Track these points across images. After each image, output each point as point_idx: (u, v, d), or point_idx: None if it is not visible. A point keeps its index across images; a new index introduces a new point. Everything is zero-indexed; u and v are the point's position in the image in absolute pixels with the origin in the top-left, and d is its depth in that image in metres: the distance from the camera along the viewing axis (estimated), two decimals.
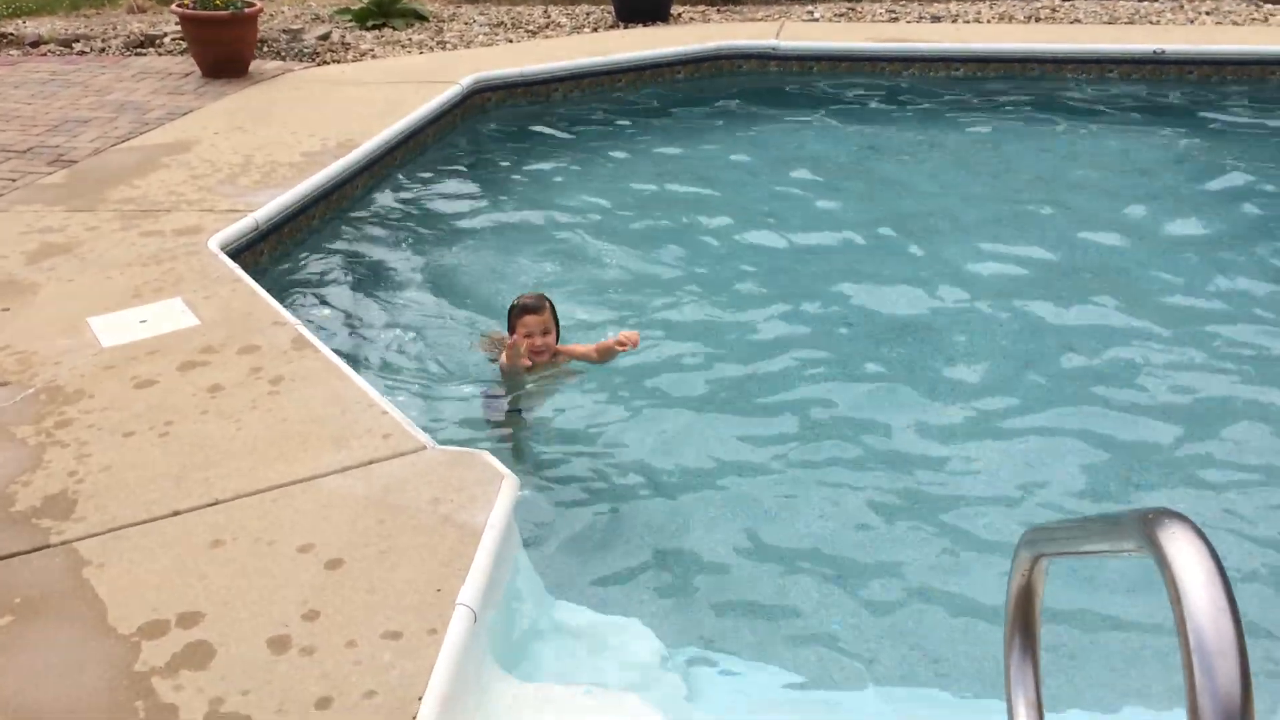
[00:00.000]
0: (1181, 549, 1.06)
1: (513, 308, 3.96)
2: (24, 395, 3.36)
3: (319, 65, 8.05)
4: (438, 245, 5.35)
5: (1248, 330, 4.36)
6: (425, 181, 6.13)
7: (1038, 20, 8.78)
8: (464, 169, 6.37)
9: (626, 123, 7.20)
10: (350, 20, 9.41)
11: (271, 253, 4.93)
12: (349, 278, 4.91)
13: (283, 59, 8.22)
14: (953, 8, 9.16)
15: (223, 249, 4.50)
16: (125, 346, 3.65)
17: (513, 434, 3.81)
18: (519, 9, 9.90)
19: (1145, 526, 1.11)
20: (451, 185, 6.12)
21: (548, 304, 3.93)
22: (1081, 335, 4.35)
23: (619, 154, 6.66)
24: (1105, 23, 8.62)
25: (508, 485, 2.81)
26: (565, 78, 7.49)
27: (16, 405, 3.31)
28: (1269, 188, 5.84)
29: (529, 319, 3.86)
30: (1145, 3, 9.20)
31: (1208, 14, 8.81)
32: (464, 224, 5.65)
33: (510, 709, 2.34)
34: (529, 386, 3.92)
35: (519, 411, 3.88)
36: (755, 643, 2.82)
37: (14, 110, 6.86)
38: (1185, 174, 6.15)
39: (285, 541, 2.62)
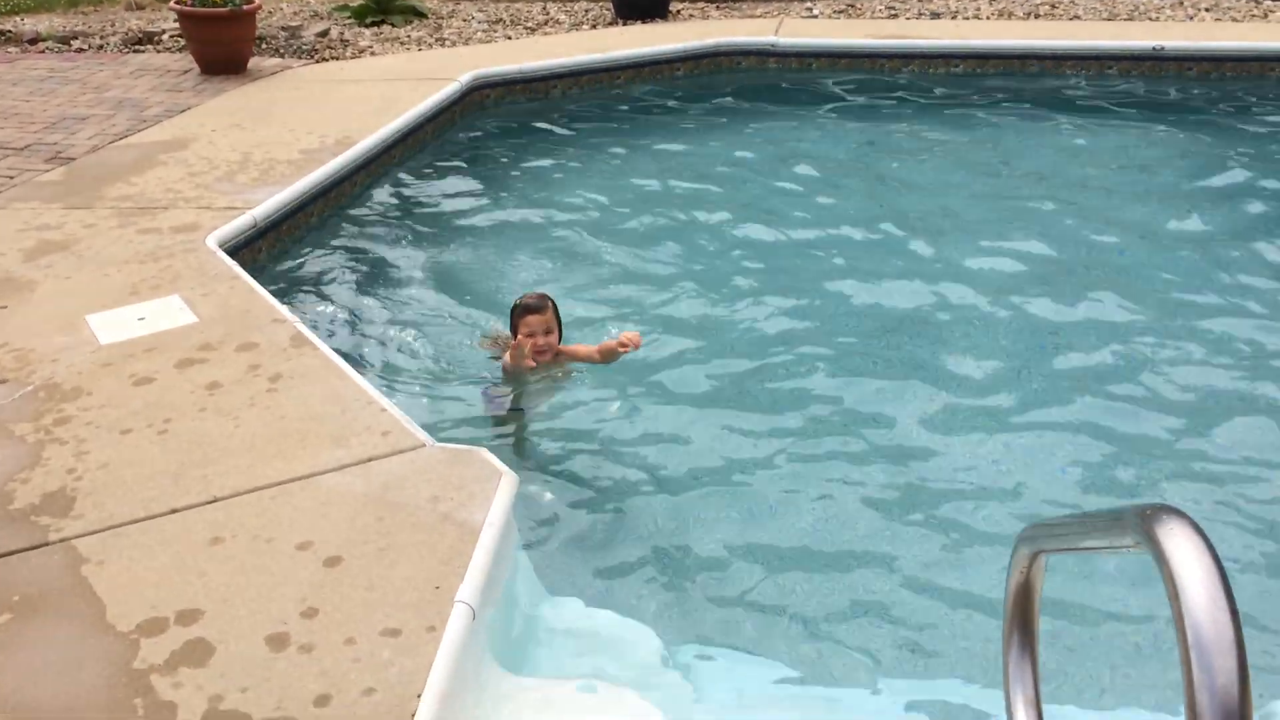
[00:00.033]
0: (1180, 545, 1.06)
1: (515, 307, 3.94)
2: (22, 393, 3.36)
3: (318, 62, 8.04)
4: (436, 242, 5.35)
5: (1246, 326, 4.37)
6: (424, 179, 6.13)
7: (1037, 16, 8.77)
8: (463, 166, 6.36)
9: (625, 120, 7.20)
10: (349, 17, 9.40)
11: (270, 250, 4.93)
12: (347, 275, 4.91)
13: (281, 56, 8.21)
14: (952, 4, 9.15)
15: (221, 246, 4.49)
16: (123, 344, 3.65)
17: (513, 432, 3.81)
18: (518, 6, 9.89)
19: (1143, 522, 1.11)
20: (450, 182, 6.11)
21: (550, 303, 3.92)
22: (1080, 331, 4.35)
23: (618, 151, 6.66)
24: (1105, 19, 8.61)
25: (507, 483, 2.81)
26: (564, 75, 7.48)
27: (15, 403, 3.31)
28: (1268, 184, 5.84)
29: (532, 319, 3.84)
30: None
31: (1207, 10, 8.81)
32: (463, 221, 5.64)
33: (509, 706, 2.34)
34: (530, 386, 3.92)
35: (520, 410, 3.88)
36: (755, 639, 2.82)
37: (12, 107, 6.85)
38: (1184, 170, 6.14)
39: (284, 539, 2.62)
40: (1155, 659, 2.69)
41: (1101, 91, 7.39)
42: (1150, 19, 8.58)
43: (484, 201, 5.88)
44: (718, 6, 9.49)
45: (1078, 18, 8.69)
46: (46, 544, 2.65)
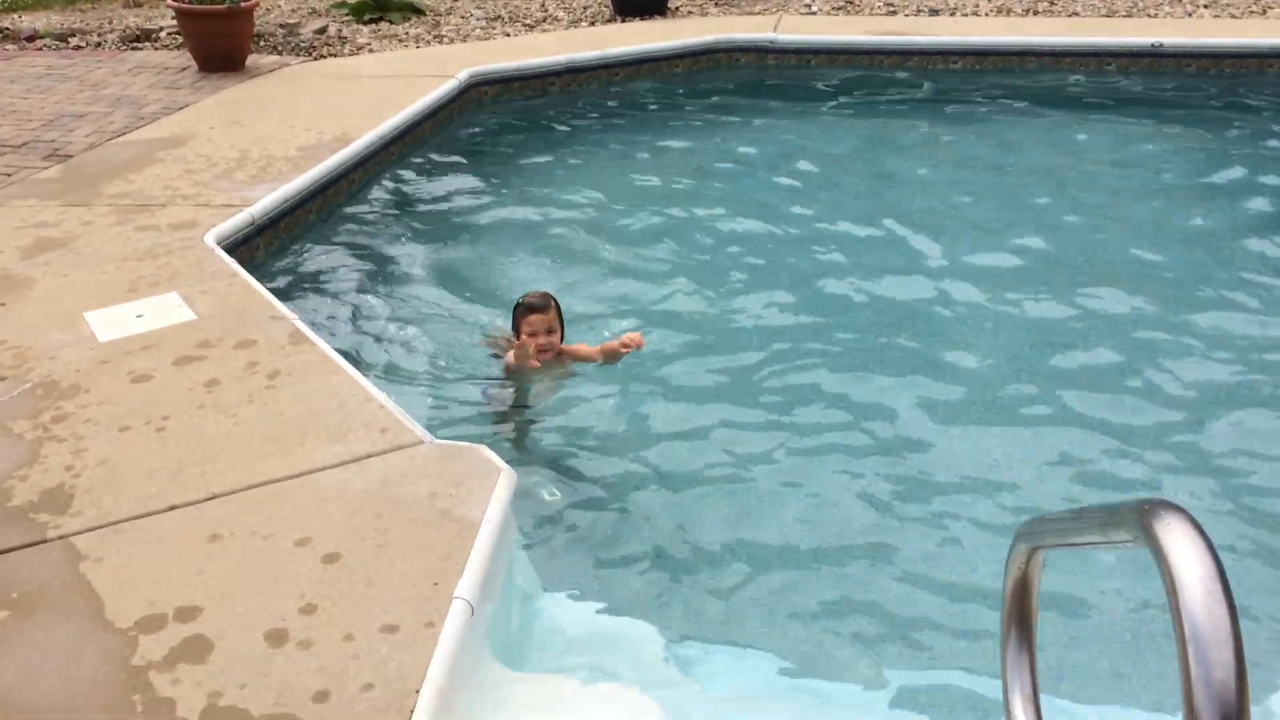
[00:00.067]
0: (1177, 540, 1.06)
1: (518, 306, 3.93)
2: (20, 390, 3.36)
3: (315, 59, 8.03)
4: (435, 239, 5.35)
5: (1244, 321, 4.37)
6: (422, 176, 6.12)
7: (1035, 13, 8.77)
8: (461, 163, 6.35)
9: (624, 117, 7.19)
10: (347, 14, 9.39)
11: (268, 247, 4.92)
12: (346, 272, 4.90)
13: (279, 53, 8.20)
14: (951, 1, 9.14)
15: (219, 244, 4.49)
16: (121, 341, 3.64)
17: (513, 429, 3.81)
18: (516, 3, 9.88)
19: (1141, 518, 1.11)
20: (448, 179, 6.11)
21: (553, 303, 3.90)
22: (1078, 326, 4.36)
23: (616, 148, 6.65)
24: (1103, 15, 8.61)
25: (505, 479, 2.81)
26: (562, 72, 7.48)
27: (13, 400, 3.30)
28: (1266, 180, 5.84)
29: (534, 318, 3.83)
30: None
31: (1205, 7, 8.81)
32: (461, 218, 5.64)
33: (507, 701, 2.34)
34: (531, 384, 3.92)
35: (520, 407, 3.88)
36: (754, 634, 2.82)
37: (9, 105, 6.84)
38: (1182, 167, 6.15)
39: (282, 535, 2.62)
40: (1153, 654, 2.70)
41: (1100, 88, 7.39)
42: (1149, 15, 8.58)
43: (482, 198, 5.87)
44: (716, 3, 9.48)
45: (1076, 14, 8.69)
46: (45, 541, 2.65)
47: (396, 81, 7.00)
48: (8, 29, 9.12)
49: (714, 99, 7.44)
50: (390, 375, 4.03)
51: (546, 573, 2.98)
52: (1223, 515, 3.21)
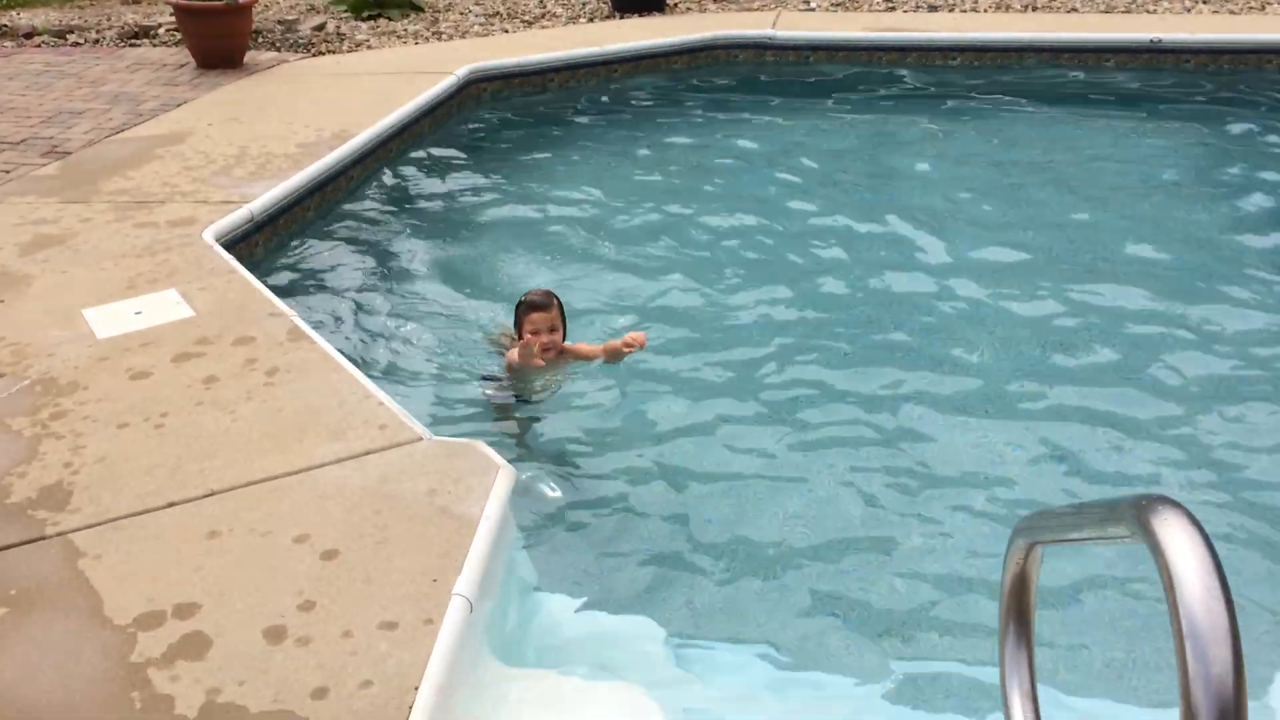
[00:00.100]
0: (1175, 536, 1.06)
1: (520, 304, 3.92)
2: (19, 387, 3.36)
3: (314, 56, 8.02)
4: (434, 236, 5.34)
5: (1242, 316, 4.37)
6: (421, 172, 6.12)
7: (1034, 9, 8.76)
8: (460, 160, 6.35)
9: (623, 113, 7.19)
10: (345, 11, 9.38)
11: (266, 244, 4.92)
12: (344, 269, 4.90)
13: (278, 50, 8.19)
14: None
15: (218, 240, 4.48)
16: (120, 338, 3.64)
17: (513, 426, 3.81)
18: None
19: (1139, 513, 1.11)
20: (447, 176, 6.10)
21: (555, 301, 3.89)
22: (1078, 322, 4.36)
23: (615, 145, 6.65)
24: (1102, 11, 8.60)
25: (504, 476, 2.81)
26: (561, 68, 7.47)
27: (11, 397, 3.30)
28: (1264, 176, 5.84)
29: (536, 316, 3.82)
30: None
31: (1204, 2, 8.80)
32: (460, 215, 5.64)
33: (506, 698, 2.34)
34: (532, 381, 3.91)
35: (520, 404, 3.87)
36: (755, 630, 2.82)
37: (8, 102, 6.84)
38: (1180, 162, 6.14)
39: (281, 532, 2.62)
40: (1151, 649, 2.70)
41: (1099, 84, 7.39)
42: (1148, 12, 8.57)
43: (481, 195, 5.87)
44: None
45: (1075, 10, 8.68)
46: (43, 538, 2.65)
47: (395, 78, 7.00)
48: (6, 26, 9.10)
49: (713, 95, 7.43)
50: (389, 372, 4.03)
51: (546, 569, 2.98)
52: (1221, 508, 3.22)
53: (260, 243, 4.87)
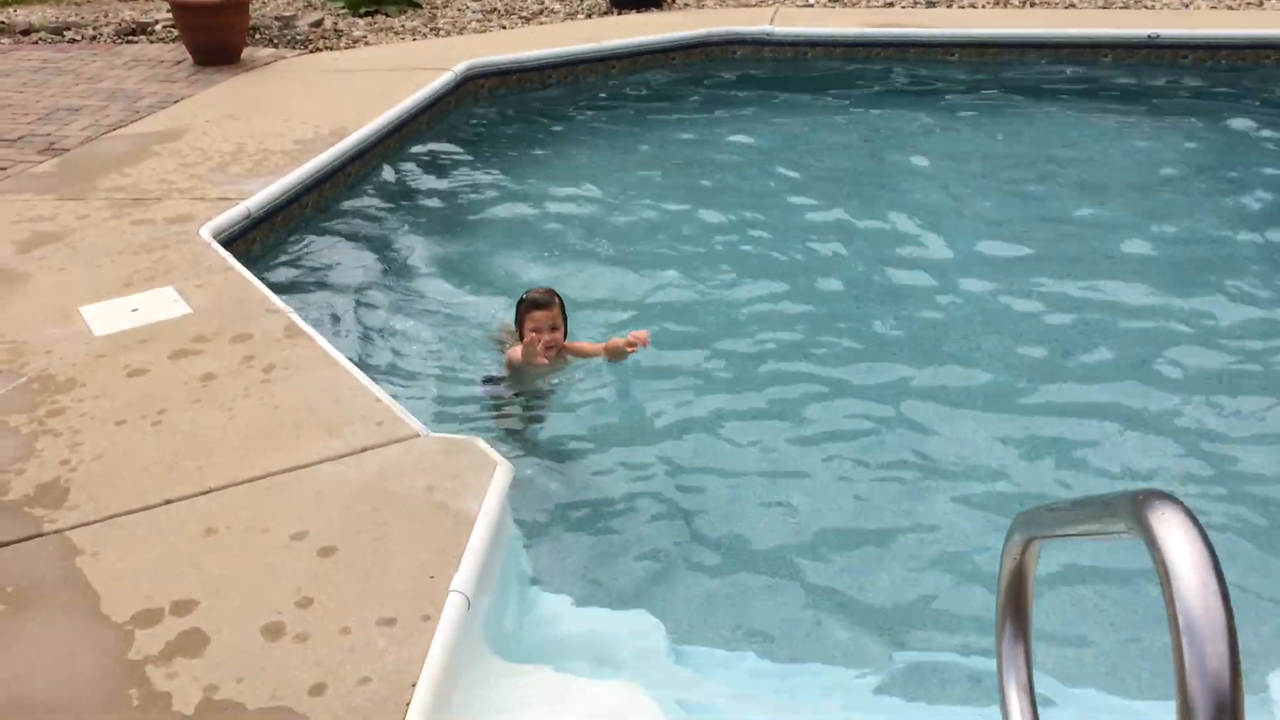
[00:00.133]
0: (1171, 531, 1.06)
1: (521, 302, 3.91)
2: (16, 384, 3.35)
3: (311, 52, 8.01)
4: (432, 232, 5.34)
5: (1239, 310, 4.38)
6: (418, 169, 6.11)
7: (1032, 5, 8.76)
8: (458, 156, 6.34)
9: (621, 109, 7.18)
10: (343, 7, 9.36)
11: (264, 241, 4.91)
12: (342, 265, 4.89)
13: (275, 46, 8.18)
14: None
15: (215, 237, 4.48)
16: (117, 335, 3.64)
17: (512, 423, 3.80)
18: None
19: (1136, 508, 1.11)
20: (445, 173, 6.10)
21: (557, 299, 3.89)
22: (1076, 317, 4.36)
23: (613, 140, 6.64)
24: (1100, 7, 8.60)
25: (501, 472, 2.80)
26: (559, 65, 7.47)
27: (9, 394, 3.30)
28: (1263, 170, 5.84)
29: (538, 314, 3.81)
30: None
31: None
32: (458, 211, 5.63)
33: (504, 695, 2.34)
34: (532, 379, 3.91)
35: (520, 402, 3.87)
36: (754, 626, 2.82)
37: (4, 99, 6.82)
38: (1178, 157, 6.14)
39: (279, 529, 2.62)
40: (1148, 643, 2.70)
41: (1097, 79, 7.39)
42: (1146, 7, 8.57)
43: (479, 191, 5.86)
44: None
45: (1073, 5, 8.68)
46: (41, 535, 2.64)
47: (393, 75, 6.99)
48: (3, 23, 9.09)
49: (711, 91, 7.43)
50: (387, 368, 4.03)
51: (544, 565, 2.98)
52: (1219, 501, 3.22)
53: (257, 240, 4.86)
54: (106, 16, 9.31)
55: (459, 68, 7.04)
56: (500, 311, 4.40)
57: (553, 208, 5.60)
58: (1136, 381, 3.90)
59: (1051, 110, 6.89)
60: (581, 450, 3.62)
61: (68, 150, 5.76)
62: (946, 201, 5.57)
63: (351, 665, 2.19)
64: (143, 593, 2.42)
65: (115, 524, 2.67)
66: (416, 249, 5.12)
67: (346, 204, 5.53)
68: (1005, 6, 8.73)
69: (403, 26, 8.77)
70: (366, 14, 9.16)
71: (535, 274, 4.78)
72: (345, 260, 4.95)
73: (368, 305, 4.55)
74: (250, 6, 7.78)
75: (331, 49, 8.14)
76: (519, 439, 3.69)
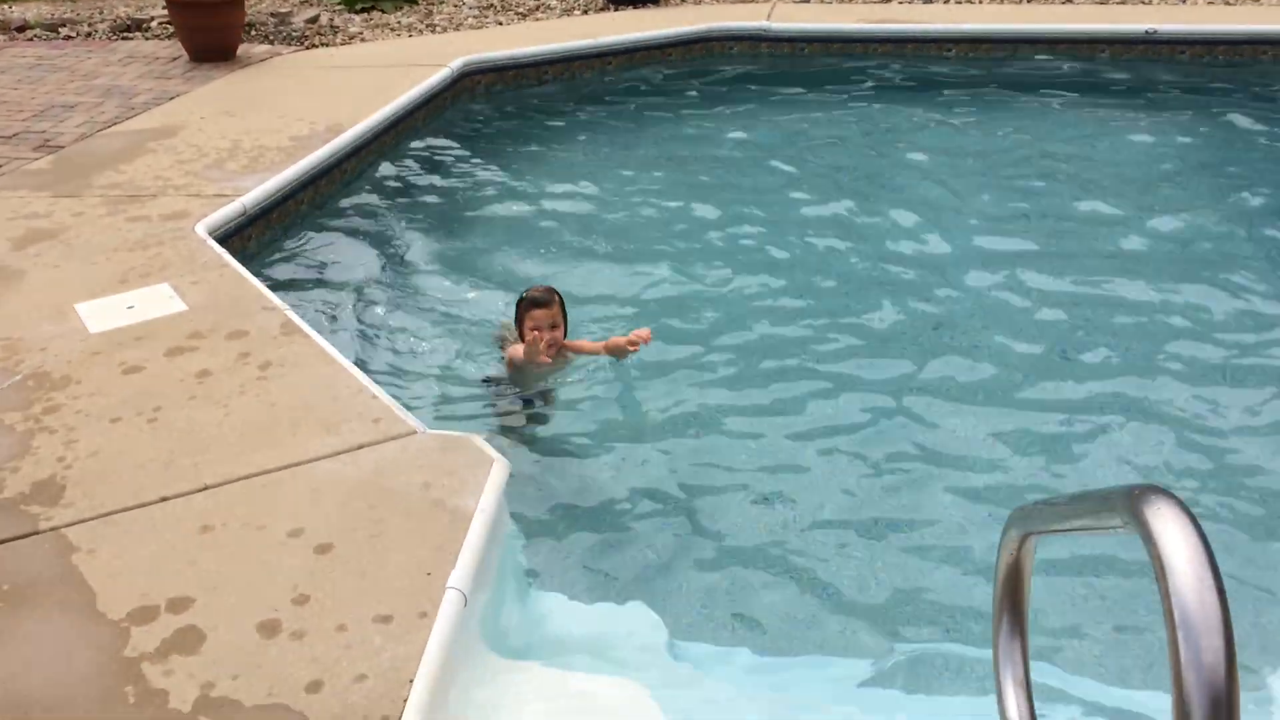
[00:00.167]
0: (1167, 526, 1.06)
1: (521, 300, 3.90)
2: (11, 382, 3.35)
3: (307, 49, 8.00)
4: (428, 229, 5.33)
5: (1237, 305, 4.37)
6: (415, 165, 6.10)
7: (1030, 0, 8.75)
8: (454, 152, 6.33)
9: (617, 106, 7.17)
10: (338, 3, 9.35)
11: (259, 238, 4.90)
12: (338, 262, 4.89)
13: (271, 43, 8.16)
14: None
15: (210, 234, 4.47)
16: (112, 332, 3.63)
17: (510, 420, 3.80)
18: None
19: (1131, 503, 1.11)
20: (441, 169, 6.09)
21: (557, 298, 3.88)
22: (1073, 312, 4.36)
23: (610, 137, 6.64)
24: (1098, 3, 8.59)
25: (498, 469, 2.80)
26: (555, 60, 7.45)
27: (4, 392, 3.29)
28: (1261, 166, 5.85)
29: (538, 313, 3.80)
30: None
31: None
32: (455, 207, 5.62)
33: (501, 692, 2.34)
34: (532, 377, 3.90)
35: (518, 399, 3.86)
36: (754, 624, 2.82)
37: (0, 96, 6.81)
38: (1176, 153, 6.14)
39: (275, 526, 2.61)
40: (1144, 638, 2.70)
41: (1095, 75, 7.38)
42: (1144, 3, 8.56)
43: (476, 188, 5.86)
44: None
45: (1071, 1, 8.67)
46: (36, 533, 2.64)
47: (389, 71, 6.98)
48: None
49: (708, 87, 7.42)
50: (383, 365, 4.02)
51: (540, 563, 2.98)
52: (1216, 494, 3.23)
53: (253, 236, 4.86)
54: (102, 13, 9.29)
55: (455, 64, 7.03)
56: (498, 308, 4.40)
57: (550, 204, 5.59)
58: (1134, 376, 3.90)
59: (1049, 105, 6.89)
60: (581, 447, 3.61)
61: (63, 147, 5.75)
62: (944, 197, 5.57)
63: (348, 662, 2.19)
64: (139, 590, 2.42)
65: (111, 521, 2.67)
66: (413, 245, 5.12)
67: (342, 201, 5.52)
68: (1002, 2, 8.72)
69: (399, 22, 8.75)
70: (362, 10, 9.14)
71: (532, 270, 4.78)
72: (341, 257, 4.94)
73: (364, 302, 4.54)
74: (246, 3, 7.76)
75: (327, 45, 8.12)
76: (519, 436, 3.68)
